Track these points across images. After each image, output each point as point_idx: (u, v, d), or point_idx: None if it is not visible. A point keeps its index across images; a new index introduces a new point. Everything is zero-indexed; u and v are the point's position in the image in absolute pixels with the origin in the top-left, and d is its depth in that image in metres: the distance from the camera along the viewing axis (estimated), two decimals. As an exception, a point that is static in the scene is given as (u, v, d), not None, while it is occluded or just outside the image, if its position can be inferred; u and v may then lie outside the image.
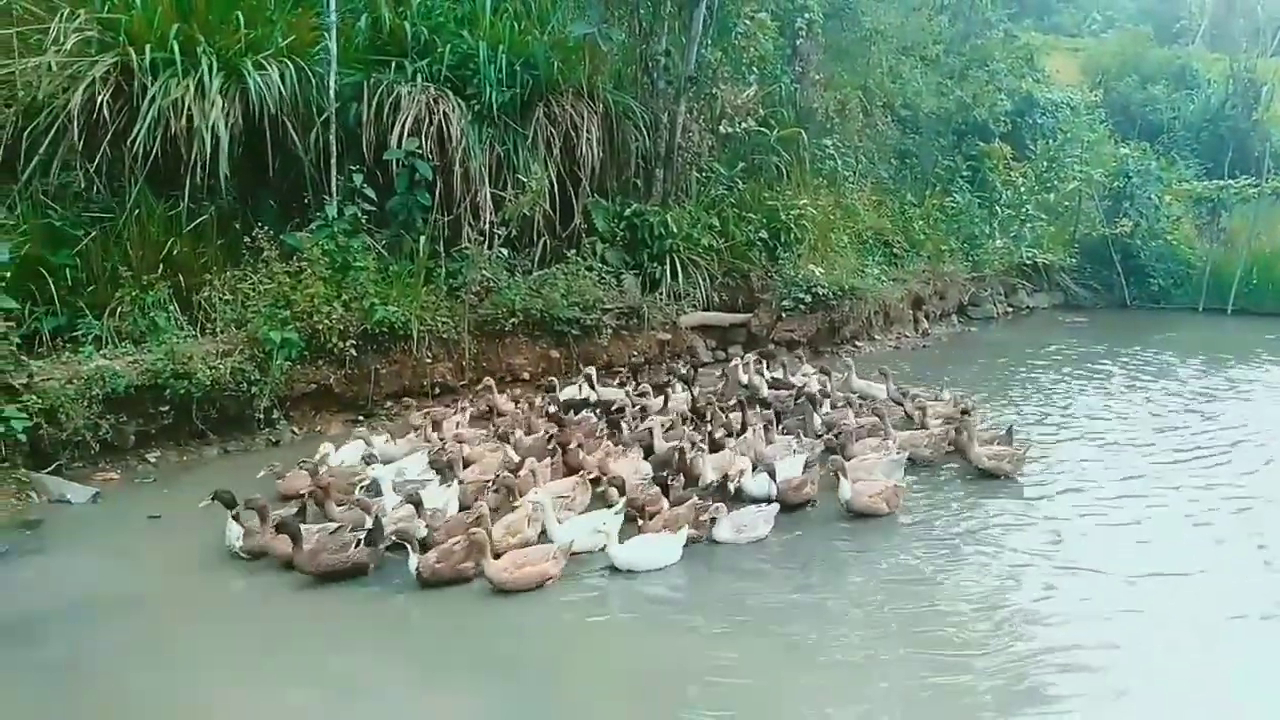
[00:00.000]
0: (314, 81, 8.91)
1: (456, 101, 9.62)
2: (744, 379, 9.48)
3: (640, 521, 6.13)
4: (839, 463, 6.69)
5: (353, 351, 8.41)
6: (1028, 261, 16.83)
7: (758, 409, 8.19)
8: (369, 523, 5.68)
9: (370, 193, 9.10)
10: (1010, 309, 16.92)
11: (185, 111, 8.00)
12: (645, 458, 7.31)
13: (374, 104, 9.29)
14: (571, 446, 7.13)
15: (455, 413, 8.26)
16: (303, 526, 5.68)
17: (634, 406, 8.47)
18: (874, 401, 8.91)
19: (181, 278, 8.20)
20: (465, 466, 6.86)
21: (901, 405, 8.82)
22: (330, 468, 6.79)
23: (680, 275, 11.02)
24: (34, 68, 7.88)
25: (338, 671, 4.59)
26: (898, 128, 16.79)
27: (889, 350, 13.11)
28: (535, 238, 10.27)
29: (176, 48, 8.15)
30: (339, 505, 6.09)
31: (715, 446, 7.32)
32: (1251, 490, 7.20)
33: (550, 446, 7.19)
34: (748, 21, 12.31)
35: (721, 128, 12.14)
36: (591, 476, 6.75)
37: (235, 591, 5.49)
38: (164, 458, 7.61)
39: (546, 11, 10.90)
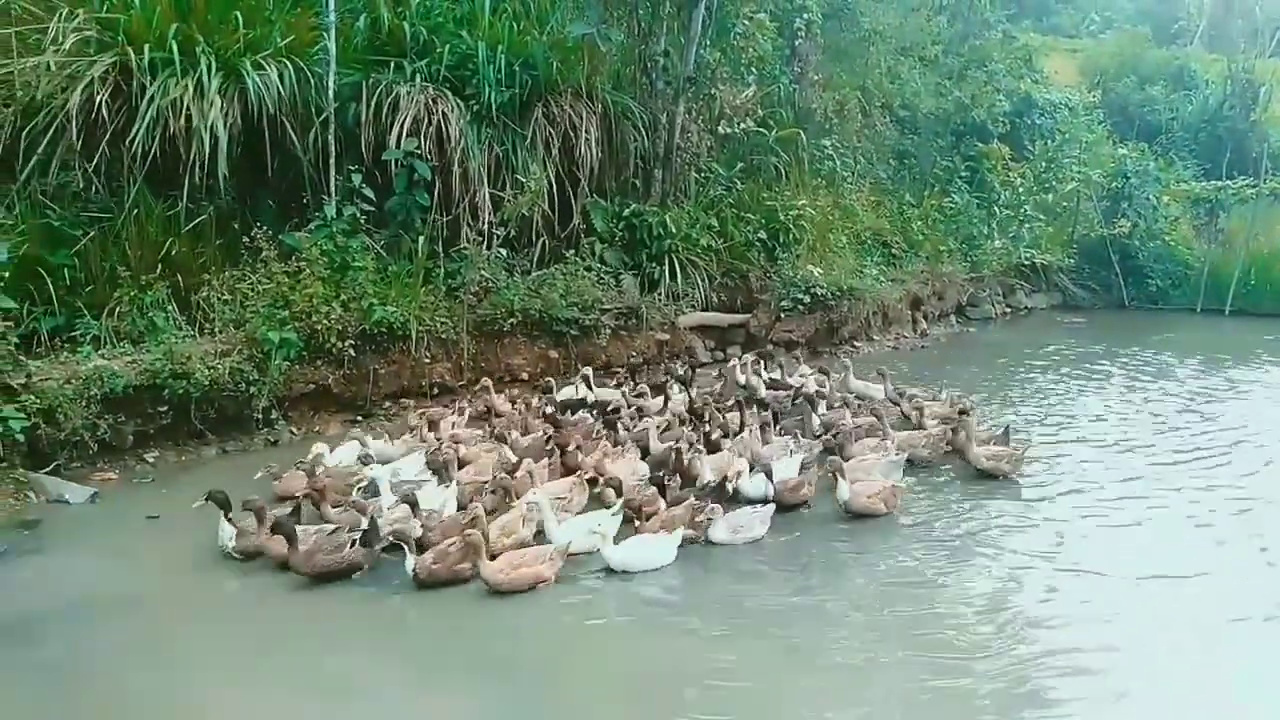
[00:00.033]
0: (313, 81, 8.91)
1: (455, 102, 9.62)
2: (741, 379, 9.48)
3: (637, 522, 6.12)
4: (837, 463, 6.69)
5: (351, 352, 8.41)
6: (1026, 262, 16.84)
7: (755, 409, 8.19)
8: (364, 523, 5.67)
9: (369, 193, 9.10)
10: (1008, 309, 16.94)
11: (184, 111, 7.99)
12: (642, 458, 7.31)
13: (373, 104, 9.29)
14: (570, 448, 7.12)
15: (452, 413, 8.25)
16: (299, 527, 5.69)
17: (629, 407, 8.46)
18: (871, 402, 8.92)
19: (180, 278, 8.19)
20: (461, 467, 6.84)
21: (898, 405, 8.82)
22: (327, 468, 6.78)
23: (679, 275, 11.02)
24: (33, 67, 7.87)
25: (334, 672, 4.59)
26: (896, 128, 16.81)
27: (887, 351, 13.12)
28: (534, 238, 10.27)
29: (175, 47, 8.14)
30: (334, 507, 6.09)
31: (712, 447, 7.32)
32: (1252, 491, 7.20)
33: (549, 448, 7.18)
34: (746, 22, 12.32)
35: (720, 128, 12.15)
36: (588, 477, 6.74)
37: (232, 592, 5.49)
38: (162, 458, 7.61)
39: (545, 12, 10.90)
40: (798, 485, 6.70)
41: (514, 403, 8.69)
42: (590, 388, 8.90)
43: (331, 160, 9.03)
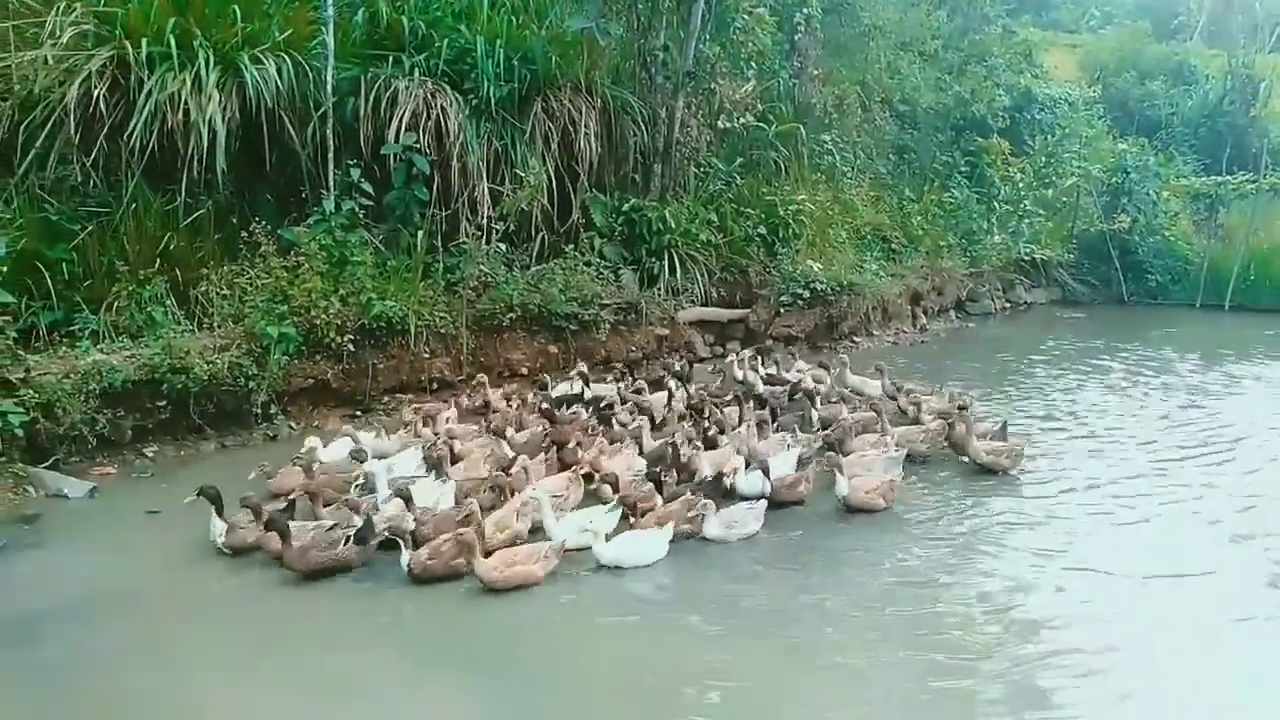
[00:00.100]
0: (311, 76, 8.87)
1: (454, 96, 9.59)
2: (739, 375, 9.47)
3: (632, 519, 6.09)
4: (835, 459, 6.68)
5: (350, 346, 8.39)
6: (1026, 257, 16.86)
7: (752, 405, 8.18)
8: (356, 520, 5.65)
9: (368, 187, 9.08)
10: (1008, 304, 16.96)
11: (182, 105, 7.97)
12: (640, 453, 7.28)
13: (371, 98, 9.27)
14: (570, 445, 7.11)
15: (448, 408, 8.22)
16: (296, 523, 5.68)
17: (623, 403, 8.43)
18: (869, 398, 8.89)
19: (178, 272, 8.17)
20: (455, 462, 6.81)
21: (896, 401, 8.80)
22: (322, 464, 6.76)
23: (678, 270, 11.01)
24: (30, 61, 7.84)
25: (333, 671, 4.58)
26: (896, 123, 16.79)
27: (887, 346, 13.13)
28: (533, 233, 10.25)
29: (173, 41, 8.11)
30: (327, 505, 6.08)
31: (710, 443, 7.30)
32: (1256, 488, 7.18)
33: (545, 444, 7.16)
34: (746, 16, 12.29)
35: (720, 123, 12.13)
36: (584, 473, 6.71)
37: (230, 588, 5.47)
38: (161, 452, 7.59)
39: (544, 6, 10.88)
40: (795, 482, 6.68)
41: (509, 400, 8.61)
42: (587, 384, 8.88)
43: (330, 155, 9.00)
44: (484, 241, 9.61)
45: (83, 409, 6.91)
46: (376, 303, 8.50)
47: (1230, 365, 11.99)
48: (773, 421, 7.80)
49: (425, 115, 9.34)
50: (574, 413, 8.08)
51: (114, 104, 7.96)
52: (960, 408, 7.95)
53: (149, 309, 7.78)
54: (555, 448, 7.10)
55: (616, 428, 7.68)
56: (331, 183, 9.00)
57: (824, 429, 7.82)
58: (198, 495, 5.69)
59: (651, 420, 7.73)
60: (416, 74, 9.52)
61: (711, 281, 11.56)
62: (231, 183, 8.68)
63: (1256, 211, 17.81)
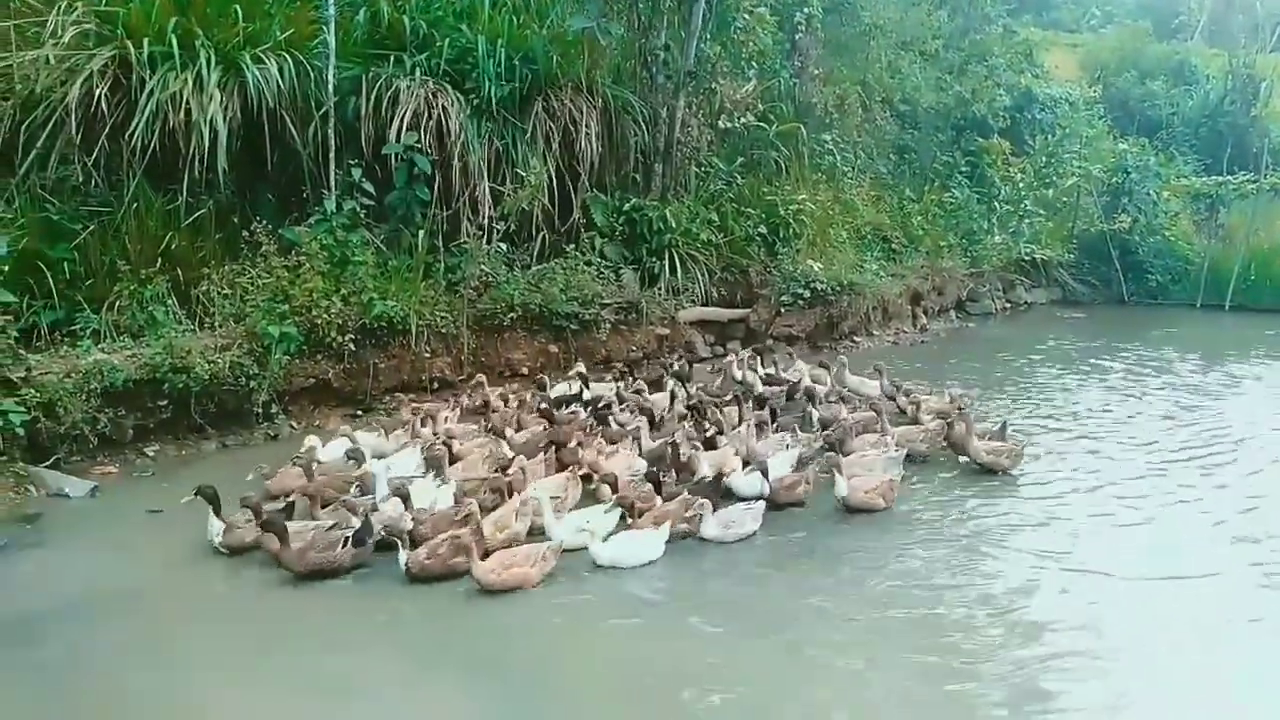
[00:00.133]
0: (312, 75, 8.88)
1: (455, 96, 9.60)
2: (739, 375, 9.46)
3: (629, 519, 6.06)
4: (835, 459, 6.68)
5: (351, 346, 8.40)
6: (1026, 257, 16.86)
7: (751, 405, 8.17)
8: (354, 521, 5.65)
9: (369, 187, 9.09)
10: (1008, 304, 16.96)
11: (183, 105, 7.98)
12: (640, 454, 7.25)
13: (373, 98, 9.28)
14: (571, 444, 7.11)
15: (447, 408, 8.20)
16: (295, 523, 5.69)
17: (621, 403, 8.41)
18: (868, 398, 8.88)
19: (180, 272, 8.18)
20: (453, 463, 6.79)
21: (894, 400, 8.80)
22: (321, 464, 6.75)
23: (679, 270, 11.01)
24: (31, 61, 7.85)
25: (332, 671, 4.58)
26: (896, 123, 16.80)
27: (887, 345, 13.13)
28: (534, 232, 10.25)
29: (174, 41, 8.12)
30: (325, 505, 6.08)
31: (709, 444, 7.29)
32: (1258, 489, 7.15)
33: (543, 444, 7.15)
34: (747, 16, 12.30)
35: (720, 123, 12.14)
36: (582, 473, 6.70)
37: (230, 588, 5.48)
38: (162, 452, 7.60)
39: (545, 6, 10.88)
40: (794, 484, 6.64)
41: (506, 401, 8.54)
42: (586, 384, 8.86)
43: (331, 154, 9.01)
44: (485, 241, 9.62)
45: (84, 408, 6.92)
46: (378, 302, 8.51)
47: (1231, 365, 11.99)
48: (772, 421, 7.80)
49: (426, 115, 9.35)
50: (572, 412, 8.07)
51: (115, 103, 7.97)
52: (958, 409, 7.94)
53: (150, 308, 7.79)
54: (554, 448, 7.09)
55: (614, 427, 7.67)
56: (333, 182, 9.01)
57: (824, 429, 7.81)
58: (195, 495, 5.70)
59: (651, 420, 7.72)
60: (418, 73, 9.53)
61: (712, 281, 11.56)
62: (233, 182, 8.69)
63: (1257, 211, 17.81)
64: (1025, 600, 5.34)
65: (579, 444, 7.15)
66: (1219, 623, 5.13)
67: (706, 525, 6.03)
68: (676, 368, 9.56)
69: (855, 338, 12.99)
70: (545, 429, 7.44)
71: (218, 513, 5.72)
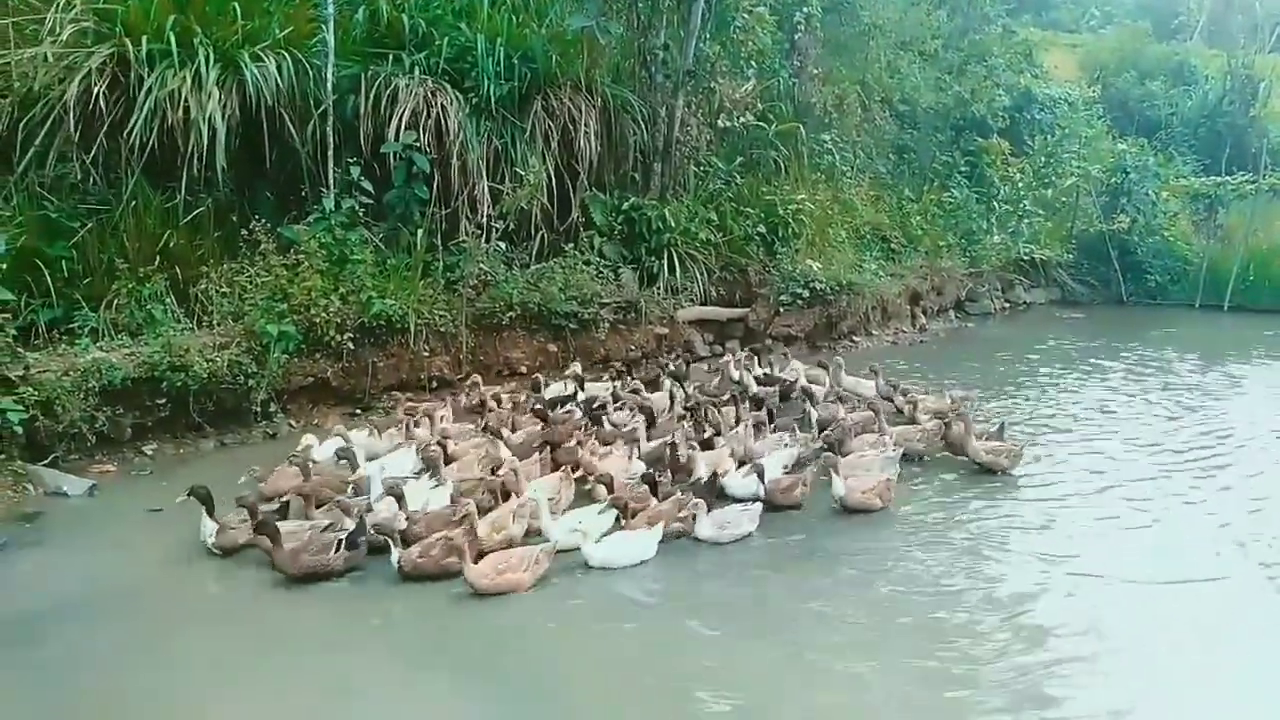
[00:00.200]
0: (311, 73, 8.87)
1: (454, 94, 9.58)
2: (736, 375, 9.44)
3: (623, 520, 6.03)
4: (832, 460, 6.67)
5: (350, 345, 8.39)
6: (1025, 257, 16.85)
7: (748, 406, 8.14)
8: (349, 523, 5.63)
9: (368, 185, 9.07)
10: (1007, 304, 16.96)
11: (182, 103, 7.97)
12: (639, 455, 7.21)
13: (371, 96, 9.26)
14: (570, 444, 7.09)
15: (443, 407, 8.15)
16: (294, 522, 5.69)
17: (616, 402, 8.39)
18: (865, 398, 8.86)
19: (178, 270, 8.17)
20: (448, 463, 6.74)
21: (891, 401, 8.77)
22: (317, 464, 6.72)
23: (678, 270, 11.00)
24: (30, 58, 7.84)
25: (330, 671, 4.58)
26: (896, 123, 16.78)
27: (886, 345, 13.13)
28: (533, 231, 10.24)
29: (173, 39, 8.11)
30: (320, 506, 6.06)
31: (706, 444, 7.27)
32: (1261, 491, 7.12)
33: (538, 444, 7.12)
34: (746, 15, 12.28)
35: (719, 122, 12.12)
36: (576, 475, 6.68)
37: (228, 587, 5.48)
38: (160, 450, 7.59)
39: (545, 4, 10.87)
40: (791, 485, 6.60)
41: (499, 402, 8.44)
42: (581, 385, 8.81)
43: (330, 153, 9.00)
44: (484, 240, 9.61)
45: (82, 406, 6.91)
46: (376, 301, 8.50)
47: (1231, 366, 11.99)
48: (770, 422, 7.78)
49: (425, 113, 9.34)
50: (567, 412, 8.04)
51: (114, 101, 7.96)
52: (957, 411, 7.90)
53: (149, 307, 7.78)
54: (549, 448, 7.06)
55: (608, 428, 7.63)
56: (331, 181, 9.00)
57: (822, 430, 7.79)
58: (188, 495, 5.69)
59: (651, 420, 7.71)
60: (417, 72, 9.51)
61: (711, 280, 11.55)
62: (231, 180, 8.68)
63: (1256, 212, 17.81)
64: (1028, 604, 5.29)
65: (579, 443, 7.14)
66: (1225, 627, 5.08)
67: (701, 526, 6.01)
68: (672, 368, 9.54)
69: (854, 337, 12.99)
70: (542, 429, 7.42)
71: (211, 513, 5.71)
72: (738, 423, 7.78)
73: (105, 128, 7.93)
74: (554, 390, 8.85)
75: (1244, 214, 17.90)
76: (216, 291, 8.08)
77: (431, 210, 9.54)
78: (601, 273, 10.24)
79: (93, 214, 8.06)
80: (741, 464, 6.93)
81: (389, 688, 4.44)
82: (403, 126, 9.19)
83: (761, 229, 12.12)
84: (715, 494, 6.41)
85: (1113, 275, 17.71)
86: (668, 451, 6.94)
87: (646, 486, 6.36)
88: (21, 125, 7.76)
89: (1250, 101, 21.49)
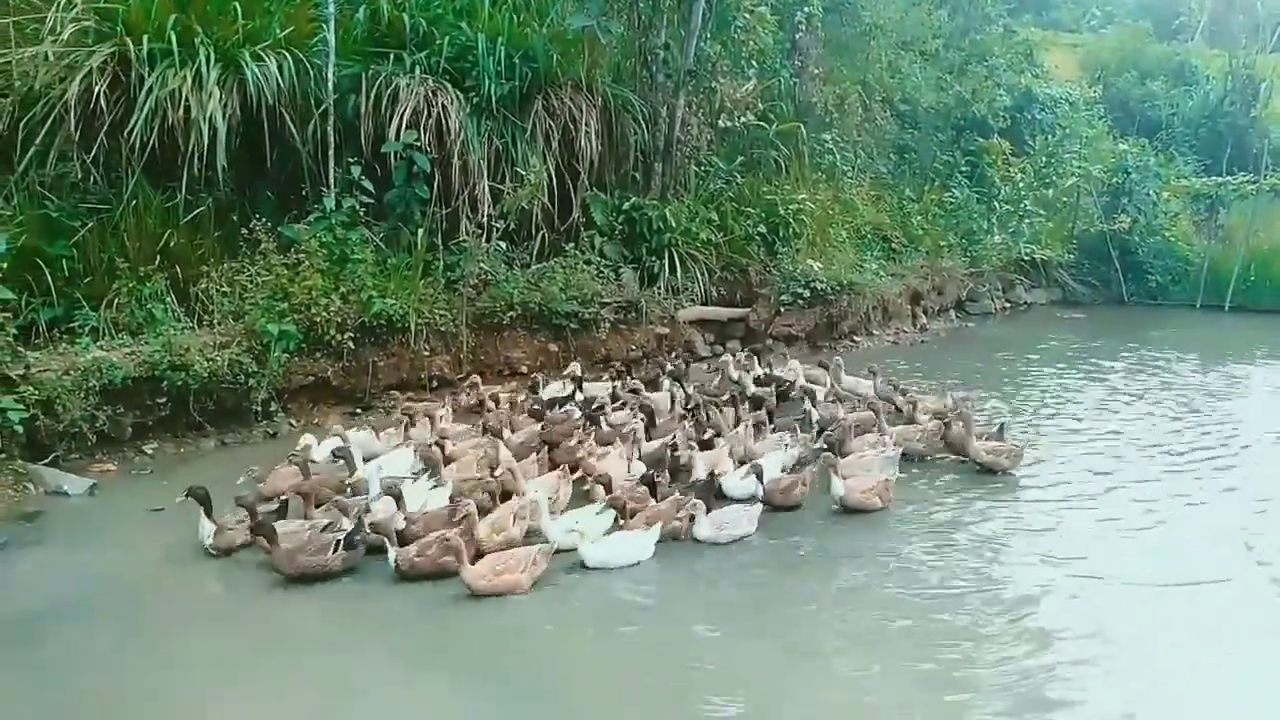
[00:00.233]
0: (312, 73, 8.87)
1: (455, 94, 9.58)
2: (735, 376, 9.42)
3: (622, 521, 6.01)
4: (831, 459, 6.66)
5: (350, 344, 8.39)
6: (1026, 257, 16.85)
7: (747, 406, 8.11)
8: (346, 523, 5.63)
9: (368, 185, 9.07)
10: (1008, 304, 16.96)
11: (183, 102, 7.97)
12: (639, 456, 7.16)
13: (372, 96, 9.26)
14: (571, 443, 7.08)
15: (441, 407, 8.10)
16: (291, 523, 5.69)
17: (615, 402, 8.37)
18: (864, 398, 8.84)
19: (179, 269, 8.17)
20: (447, 464, 6.73)
21: (890, 401, 8.74)
22: (314, 462, 6.72)
23: (678, 269, 11.00)
24: (30, 57, 7.84)
25: (330, 670, 4.58)
26: (897, 123, 16.79)
27: (887, 345, 13.12)
28: (533, 231, 10.24)
29: (174, 38, 8.11)
30: (319, 505, 6.06)
31: (705, 445, 7.25)
32: (1267, 493, 7.07)
33: (536, 444, 7.10)
34: (747, 15, 12.27)
35: (720, 122, 12.12)
36: (576, 476, 6.66)
37: (229, 586, 5.48)
38: (161, 449, 7.59)
39: (545, 4, 10.87)
40: (790, 486, 6.58)
41: (497, 401, 8.43)
42: (580, 386, 8.77)
43: (331, 152, 9.00)
44: (484, 239, 9.61)
45: (83, 406, 6.91)
46: (377, 300, 8.50)
47: (1233, 366, 11.99)
48: (769, 422, 7.76)
49: (426, 113, 9.34)
50: (566, 413, 8.00)
51: (114, 101, 7.96)
52: (958, 412, 7.88)
53: (149, 306, 7.78)
54: (547, 448, 7.04)
55: (605, 428, 7.59)
56: (332, 180, 9.00)
57: (822, 430, 7.77)
58: (186, 496, 5.68)
59: (652, 419, 7.70)
60: (417, 71, 9.51)
61: (712, 280, 11.54)
62: (232, 180, 8.68)
63: (1257, 212, 17.80)
64: (1031, 606, 5.25)
65: (579, 442, 7.13)
66: (1229, 630, 5.03)
67: (700, 527, 5.99)
68: (670, 368, 9.53)
69: (855, 337, 12.99)
70: (541, 429, 7.41)
71: (209, 514, 5.70)
72: (737, 423, 7.75)
73: (106, 127, 7.93)
74: (552, 390, 8.84)
75: (1245, 214, 17.90)
76: (217, 291, 8.08)
77: (432, 210, 9.54)
78: (602, 272, 10.24)
79: (93, 213, 8.06)
80: (741, 464, 6.92)
81: (389, 688, 4.44)
82: (403, 126, 9.19)
83: (762, 229, 12.11)
84: (714, 495, 6.38)
85: (1114, 275, 17.71)
86: (668, 452, 6.92)
87: (645, 487, 6.33)
88: (22, 124, 7.76)
89: (1251, 102, 21.47)
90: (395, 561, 5.37)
